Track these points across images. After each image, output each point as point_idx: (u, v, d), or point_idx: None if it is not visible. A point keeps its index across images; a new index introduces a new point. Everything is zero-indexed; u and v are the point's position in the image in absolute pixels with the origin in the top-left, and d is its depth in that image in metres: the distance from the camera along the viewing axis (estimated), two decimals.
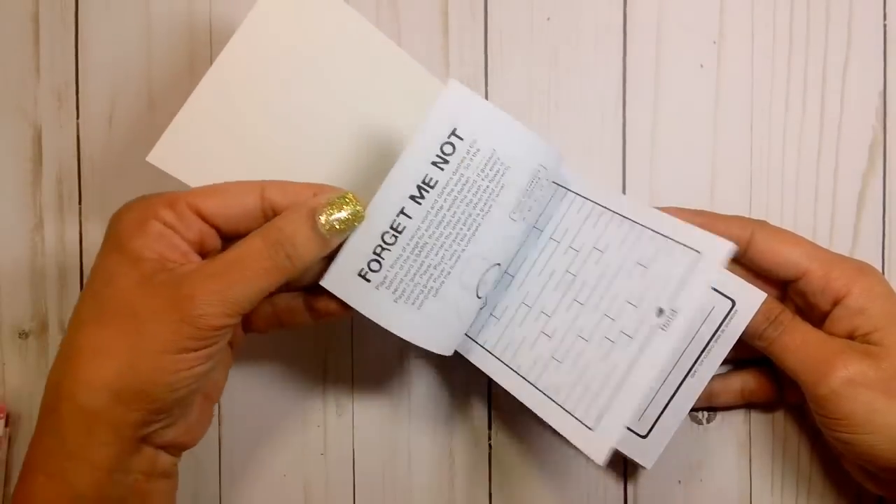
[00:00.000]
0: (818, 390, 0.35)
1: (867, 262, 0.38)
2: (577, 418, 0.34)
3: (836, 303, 0.36)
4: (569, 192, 0.38)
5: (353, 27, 0.37)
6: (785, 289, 0.39)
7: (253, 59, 0.36)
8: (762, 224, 0.38)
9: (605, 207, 0.37)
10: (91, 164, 0.42)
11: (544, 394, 0.36)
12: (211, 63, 0.42)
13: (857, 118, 0.42)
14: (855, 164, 0.42)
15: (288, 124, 0.37)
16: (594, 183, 0.38)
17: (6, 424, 0.42)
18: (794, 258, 0.37)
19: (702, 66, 0.42)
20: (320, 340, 0.42)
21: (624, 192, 0.42)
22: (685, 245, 0.34)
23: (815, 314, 0.37)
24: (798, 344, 0.36)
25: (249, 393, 0.43)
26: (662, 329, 0.33)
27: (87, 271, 0.43)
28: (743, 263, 0.39)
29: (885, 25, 0.42)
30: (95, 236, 0.43)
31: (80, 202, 0.43)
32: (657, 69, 0.42)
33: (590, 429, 0.33)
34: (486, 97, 0.42)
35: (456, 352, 0.41)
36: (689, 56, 0.42)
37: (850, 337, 0.36)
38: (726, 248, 0.33)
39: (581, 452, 0.33)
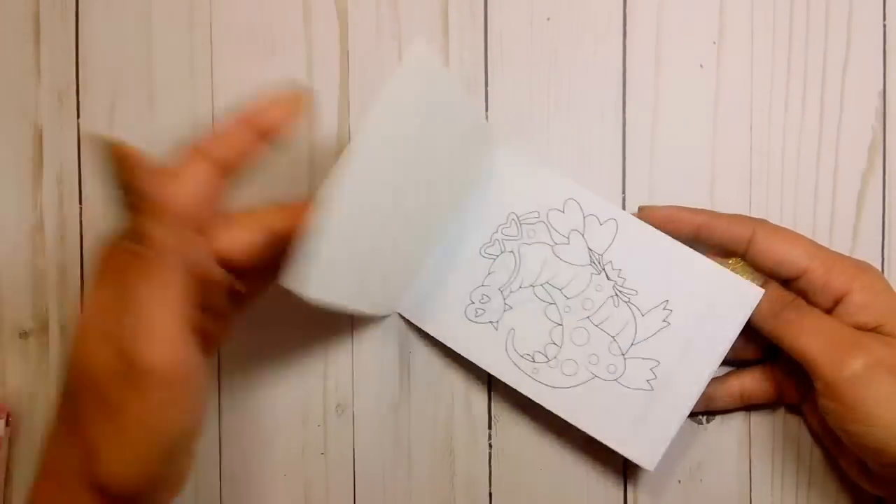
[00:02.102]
0: (837, 373, 0.34)
1: (866, 261, 0.38)
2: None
3: (837, 301, 0.36)
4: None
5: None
6: (787, 288, 0.39)
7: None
8: (762, 223, 0.38)
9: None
10: (91, 165, 0.43)
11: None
12: (211, 63, 0.43)
13: (857, 118, 0.42)
14: (854, 163, 0.42)
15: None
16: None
17: (7, 424, 0.42)
18: (793, 256, 0.37)
19: (701, 66, 0.42)
20: (320, 340, 0.42)
21: (624, 191, 0.42)
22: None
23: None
24: (816, 327, 0.35)
25: (249, 393, 0.43)
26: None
27: (87, 271, 0.43)
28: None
29: (884, 25, 0.42)
30: (95, 236, 0.43)
31: (80, 202, 0.43)
32: (657, 69, 0.42)
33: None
34: (486, 97, 0.42)
35: (454, 353, 0.41)
36: (689, 56, 0.42)
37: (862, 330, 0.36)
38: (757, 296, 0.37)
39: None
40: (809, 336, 0.35)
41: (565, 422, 0.41)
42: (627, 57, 0.42)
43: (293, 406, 0.42)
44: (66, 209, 0.43)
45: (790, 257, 0.37)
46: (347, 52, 0.42)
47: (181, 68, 0.42)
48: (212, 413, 0.42)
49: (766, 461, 0.42)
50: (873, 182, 0.42)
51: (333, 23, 0.42)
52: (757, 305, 0.37)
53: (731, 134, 0.42)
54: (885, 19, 0.42)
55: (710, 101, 0.42)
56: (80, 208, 0.43)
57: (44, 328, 0.43)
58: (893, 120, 0.42)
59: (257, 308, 0.42)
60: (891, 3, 0.42)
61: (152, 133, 0.42)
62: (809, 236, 0.40)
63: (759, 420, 0.42)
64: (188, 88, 0.42)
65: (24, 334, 0.43)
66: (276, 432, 0.42)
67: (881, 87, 0.42)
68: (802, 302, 0.37)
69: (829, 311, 0.37)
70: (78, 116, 0.43)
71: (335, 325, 0.42)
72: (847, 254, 0.41)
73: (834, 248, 0.39)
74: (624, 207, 0.42)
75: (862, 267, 0.37)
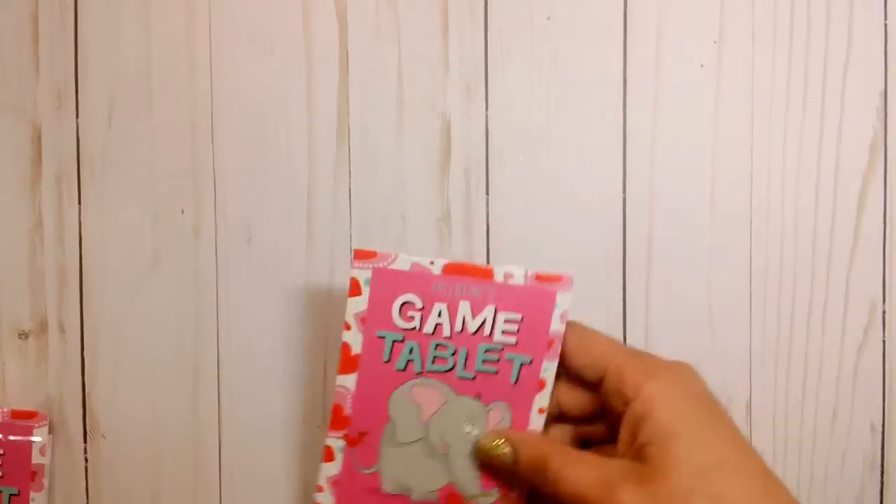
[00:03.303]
0: None
1: (678, 362, 0.33)
2: None
3: (626, 405, 0.32)
4: None
5: None
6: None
7: None
8: (572, 325, 0.34)
9: None
10: (90, 164, 0.42)
11: None
12: (210, 63, 0.42)
13: (858, 118, 0.42)
14: (855, 163, 0.42)
15: None
16: None
17: (49, 431, 0.42)
18: (596, 357, 0.33)
19: (702, 65, 0.42)
20: (320, 340, 0.42)
21: (624, 191, 0.42)
22: None
23: (617, 418, 0.33)
24: (572, 484, 0.31)
25: (249, 393, 0.43)
26: None
27: (85, 271, 0.43)
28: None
29: (885, 25, 0.42)
30: (94, 236, 0.43)
31: (79, 202, 0.43)
32: (657, 69, 0.42)
33: None
34: (486, 97, 0.42)
35: None
36: (690, 56, 0.42)
37: (633, 445, 0.32)
38: None
39: None
40: (567, 496, 0.31)
41: None
42: (627, 57, 0.42)
43: (293, 406, 0.42)
44: (65, 209, 0.43)
45: (593, 357, 0.34)
46: (347, 52, 0.42)
47: (181, 68, 0.42)
48: (212, 413, 0.42)
49: (768, 461, 0.42)
50: (874, 181, 0.42)
51: (333, 23, 0.42)
52: (519, 469, 0.33)
53: (731, 134, 0.42)
54: (885, 19, 0.42)
55: (710, 101, 0.42)
56: (79, 208, 0.42)
57: (43, 328, 0.43)
58: (894, 119, 0.42)
59: (257, 308, 0.42)
60: (891, 2, 0.42)
61: (152, 133, 0.42)
62: (810, 236, 0.40)
63: (759, 419, 0.42)
64: (188, 88, 0.42)
65: (22, 334, 0.43)
66: (276, 433, 0.42)
67: (882, 86, 0.42)
68: (555, 460, 0.32)
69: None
70: (77, 116, 0.42)
71: (335, 325, 0.42)
72: (848, 253, 0.41)
73: (834, 249, 0.40)
74: (624, 207, 0.42)
75: (655, 372, 0.32)
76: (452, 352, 0.35)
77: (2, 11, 0.42)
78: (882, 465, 0.42)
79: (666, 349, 0.42)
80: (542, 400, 0.35)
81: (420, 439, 0.35)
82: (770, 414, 0.42)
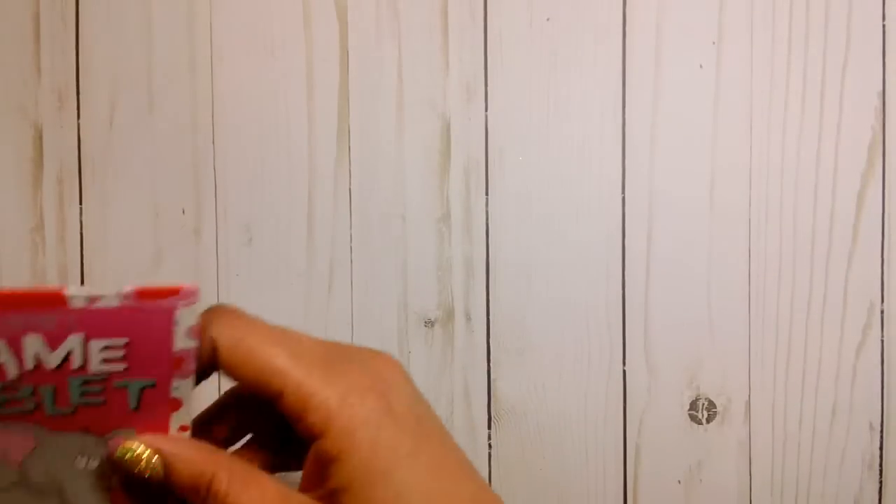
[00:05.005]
0: None
1: (376, 359, 0.26)
2: None
3: (312, 439, 0.25)
4: None
5: None
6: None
7: None
8: (224, 323, 0.25)
9: None
10: (91, 165, 0.43)
11: None
12: (211, 63, 0.43)
13: (857, 118, 0.42)
14: (854, 163, 0.42)
15: None
16: None
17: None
18: (262, 369, 0.25)
19: (701, 66, 0.42)
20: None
21: (623, 191, 0.42)
22: None
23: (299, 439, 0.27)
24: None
25: None
26: None
27: (87, 271, 0.43)
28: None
29: (883, 26, 0.42)
30: (96, 236, 0.43)
31: (80, 202, 0.43)
32: (657, 69, 0.42)
33: None
34: (486, 97, 0.42)
35: (453, 353, 0.41)
36: (689, 56, 0.42)
37: (324, 487, 0.25)
38: None
39: None
40: None
41: (564, 422, 0.41)
42: (627, 57, 0.42)
43: None
44: (66, 209, 0.43)
45: (268, 367, 0.25)
46: (347, 52, 0.42)
47: (181, 68, 0.43)
48: None
49: (767, 461, 0.42)
50: (873, 182, 0.42)
51: (333, 23, 0.42)
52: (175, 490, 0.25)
53: (730, 134, 0.42)
54: (884, 20, 0.42)
55: (709, 102, 0.42)
56: (81, 208, 0.43)
57: None
58: (893, 120, 0.42)
59: (257, 308, 0.42)
60: (890, 3, 0.42)
61: (153, 133, 0.43)
62: (809, 236, 0.41)
63: (759, 420, 0.42)
64: (188, 88, 0.42)
65: None
66: None
67: (880, 87, 0.42)
68: (223, 484, 0.25)
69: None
70: (78, 117, 0.43)
71: (334, 325, 0.42)
72: (847, 253, 0.41)
73: (834, 248, 0.40)
74: (623, 208, 0.42)
75: (348, 397, 0.25)
76: (31, 392, 0.26)
77: (3, 12, 0.42)
78: (881, 464, 0.42)
79: (666, 349, 0.42)
80: (183, 418, 0.27)
81: (15, 483, 0.27)
82: (769, 413, 0.42)
